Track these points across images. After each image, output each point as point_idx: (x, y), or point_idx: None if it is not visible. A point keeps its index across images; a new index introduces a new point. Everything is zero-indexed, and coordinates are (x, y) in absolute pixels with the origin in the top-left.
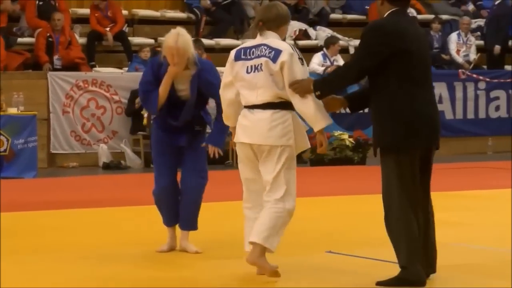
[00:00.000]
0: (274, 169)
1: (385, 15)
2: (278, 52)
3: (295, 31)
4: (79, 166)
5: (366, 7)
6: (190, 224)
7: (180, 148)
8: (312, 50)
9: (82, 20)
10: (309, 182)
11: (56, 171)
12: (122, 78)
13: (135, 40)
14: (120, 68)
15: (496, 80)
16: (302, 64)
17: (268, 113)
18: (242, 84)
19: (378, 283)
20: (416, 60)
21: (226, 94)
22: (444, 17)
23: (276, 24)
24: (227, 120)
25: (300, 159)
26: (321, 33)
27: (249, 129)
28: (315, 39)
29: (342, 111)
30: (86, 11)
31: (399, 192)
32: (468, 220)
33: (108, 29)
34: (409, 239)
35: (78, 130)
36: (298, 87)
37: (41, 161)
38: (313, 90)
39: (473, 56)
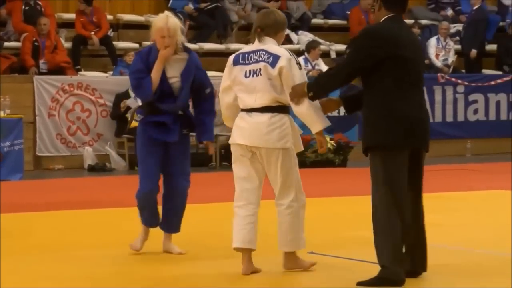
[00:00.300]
0: (279, 174)
1: (381, 21)
2: (276, 58)
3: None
4: (65, 168)
5: (347, 12)
6: (176, 227)
7: (167, 149)
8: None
9: (67, 24)
10: None
11: (42, 174)
12: (107, 82)
13: (120, 44)
14: (105, 72)
15: (474, 84)
16: (300, 68)
17: (266, 116)
18: (240, 88)
19: (359, 283)
20: (409, 65)
21: (224, 98)
22: (424, 22)
23: (274, 30)
24: (227, 121)
25: None
26: (303, 38)
27: (247, 131)
28: (297, 44)
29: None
30: (71, 15)
31: (385, 191)
32: (448, 221)
33: (93, 33)
34: (392, 239)
35: (63, 133)
36: (292, 93)
37: (27, 164)
38: (307, 92)
39: (451, 59)
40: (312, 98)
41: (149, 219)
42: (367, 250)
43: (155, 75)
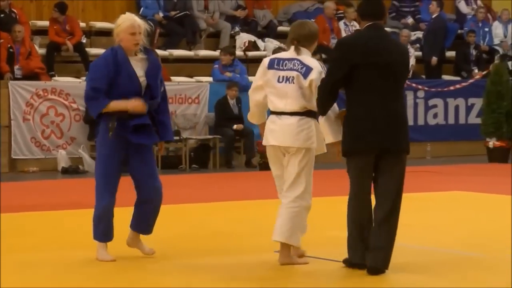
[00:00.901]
0: (296, 169)
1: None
2: (309, 70)
3: (245, 42)
4: (39, 170)
5: (312, 20)
6: (151, 228)
7: (136, 152)
8: (261, 61)
9: (41, 31)
10: (259, 186)
11: (17, 176)
12: (80, 87)
13: (93, 50)
14: (78, 77)
15: (434, 89)
16: None
17: (295, 119)
18: (271, 91)
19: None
20: (374, 72)
21: (255, 96)
22: (386, 29)
23: (308, 41)
24: (252, 118)
25: (250, 164)
26: (269, 45)
27: (277, 133)
28: (264, 50)
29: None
30: (45, 23)
31: (350, 190)
32: (410, 221)
33: (67, 39)
34: (349, 233)
35: (38, 137)
36: None
37: (3, 166)
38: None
39: (411, 65)
40: (321, 113)
41: (107, 233)
42: (333, 249)
43: (115, 106)
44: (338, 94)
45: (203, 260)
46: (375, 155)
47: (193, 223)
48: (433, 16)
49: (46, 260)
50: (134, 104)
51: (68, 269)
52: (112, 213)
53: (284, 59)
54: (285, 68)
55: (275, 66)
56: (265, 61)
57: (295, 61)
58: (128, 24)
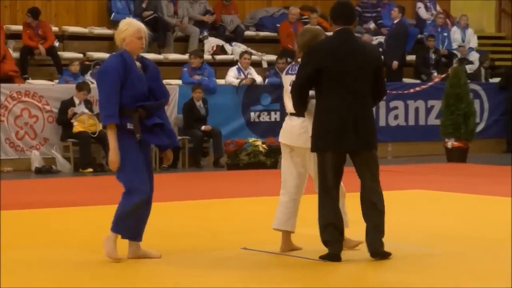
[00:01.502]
0: (314, 167)
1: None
2: None
3: (213, 46)
4: (13, 170)
5: (277, 25)
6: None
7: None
8: (228, 64)
9: (15, 35)
10: (226, 185)
11: None
12: (53, 90)
13: (65, 54)
14: (51, 80)
15: (395, 92)
16: None
17: (299, 120)
18: (287, 94)
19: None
20: (337, 75)
21: (287, 100)
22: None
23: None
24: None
25: (218, 164)
26: (237, 49)
27: (286, 132)
28: (231, 54)
29: (256, 119)
30: (19, 27)
31: (319, 183)
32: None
33: (40, 43)
34: (320, 223)
35: (12, 138)
36: None
37: None
38: None
39: None
40: (297, 115)
41: (138, 231)
42: (310, 247)
43: (111, 137)
44: (307, 96)
45: (172, 258)
46: (346, 153)
47: (163, 221)
48: (395, 22)
49: (22, 258)
50: (113, 160)
51: (42, 267)
52: (149, 208)
53: (295, 65)
54: (293, 73)
55: (289, 72)
56: (285, 68)
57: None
58: (136, 28)
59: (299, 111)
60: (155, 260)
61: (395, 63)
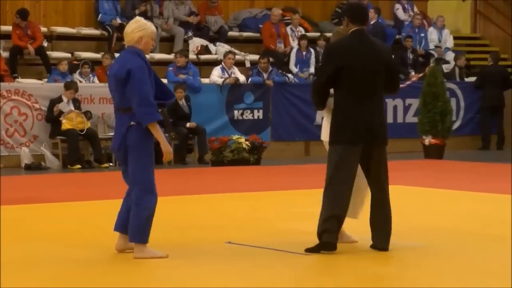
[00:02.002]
0: None
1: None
2: None
3: (197, 46)
4: (4, 167)
5: (260, 25)
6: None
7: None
8: (212, 64)
9: (5, 36)
10: (211, 181)
11: None
12: (42, 88)
13: (54, 54)
14: (40, 79)
15: None
16: None
17: (326, 116)
18: None
19: (307, 250)
20: (357, 74)
21: None
22: (328, 34)
23: None
24: None
25: (202, 161)
26: (221, 49)
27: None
28: (215, 54)
29: (239, 117)
30: (8, 28)
31: (332, 175)
32: None
33: (29, 44)
34: (325, 215)
35: (2, 135)
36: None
37: None
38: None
39: None
40: (317, 109)
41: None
42: (280, 239)
43: (157, 132)
44: (328, 93)
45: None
46: (362, 146)
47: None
48: (372, 23)
49: (11, 253)
50: (169, 150)
51: (32, 262)
52: None
53: None
54: None
55: None
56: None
57: None
58: (152, 30)
59: (319, 107)
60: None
61: None
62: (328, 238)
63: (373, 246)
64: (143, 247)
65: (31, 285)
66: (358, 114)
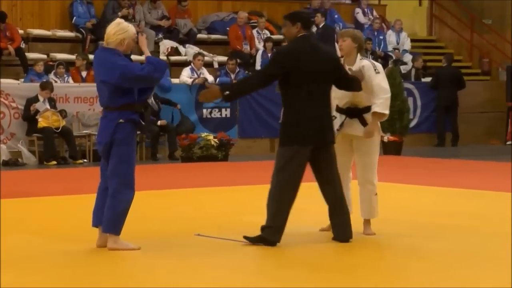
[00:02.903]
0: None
1: (293, 40)
2: None
3: (168, 48)
4: None
5: (227, 28)
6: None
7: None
8: (182, 65)
9: None
10: (181, 177)
11: None
12: (19, 88)
13: (30, 55)
14: (17, 79)
15: None
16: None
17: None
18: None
19: (245, 237)
20: (303, 76)
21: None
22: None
23: None
24: None
25: (173, 157)
26: (190, 50)
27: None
28: (185, 55)
29: (208, 116)
30: None
31: (283, 177)
32: (310, 206)
33: (9, 44)
34: (284, 216)
35: None
36: (206, 92)
37: None
38: (221, 92)
39: None
40: (227, 97)
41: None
42: (247, 232)
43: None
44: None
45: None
46: (312, 147)
47: None
48: (320, 26)
49: None
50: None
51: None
52: None
53: None
54: None
55: None
56: None
57: None
58: (134, 32)
59: (239, 94)
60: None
61: None
62: (270, 236)
63: (334, 239)
64: (116, 238)
65: (9, 276)
66: (309, 116)
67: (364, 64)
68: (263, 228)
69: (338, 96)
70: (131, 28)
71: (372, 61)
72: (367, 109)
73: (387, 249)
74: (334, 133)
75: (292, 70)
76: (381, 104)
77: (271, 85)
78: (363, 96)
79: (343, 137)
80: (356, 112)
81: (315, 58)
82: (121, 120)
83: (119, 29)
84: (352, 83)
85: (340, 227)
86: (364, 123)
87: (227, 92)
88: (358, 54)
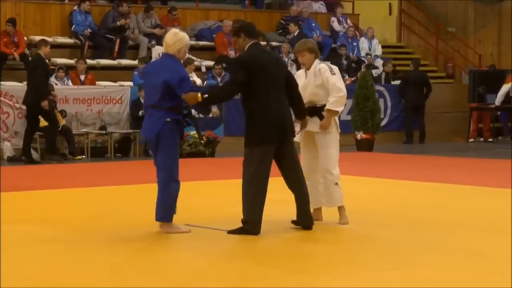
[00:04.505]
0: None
1: (246, 48)
2: None
3: (159, 53)
4: None
5: (214, 35)
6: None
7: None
8: None
9: None
10: None
11: None
12: (22, 90)
13: None
14: (21, 82)
15: None
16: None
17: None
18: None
19: (229, 232)
20: (266, 77)
21: None
22: (274, 43)
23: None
24: None
25: None
26: None
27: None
28: None
29: (196, 115)
30: None
31: (254, 171)
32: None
33: (13, 50)
34: (260, 208)
35: None
36: (189, 95)
37: None
38: (200, 96)
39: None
40: (205, 100)
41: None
42: (232, 223)
43: None
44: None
45: (115, 232)
46: (277, 142)
47: (116, 202)
48: (295, 34)
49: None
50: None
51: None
52: None
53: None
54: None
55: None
56: None
57: None
58: (188, 41)
59: (214, 100)
60: (103, 235)
61: None
62: (251, 228)
63: (295, 222)
64: (169, 224)
65: (12, 263)
66: (275, 113)
67: (320, 67)
68: (243, 222)
69: None
70: (186, 37)
71: (329, 64)
72: (324, 107)
73: (347, 236)
74: (294, 126)
75: (257, 73)
76: (335, 102)
77: None
78: (321, 95)
79: (306, 135)
80: (314, 111)
81: (272, 61)
82: (168, 119)
83: (177, 39)
84: (297, 99)
85: (302, 214)
86: (322, 119)
87: (206, 95)
88: (316, 60)
